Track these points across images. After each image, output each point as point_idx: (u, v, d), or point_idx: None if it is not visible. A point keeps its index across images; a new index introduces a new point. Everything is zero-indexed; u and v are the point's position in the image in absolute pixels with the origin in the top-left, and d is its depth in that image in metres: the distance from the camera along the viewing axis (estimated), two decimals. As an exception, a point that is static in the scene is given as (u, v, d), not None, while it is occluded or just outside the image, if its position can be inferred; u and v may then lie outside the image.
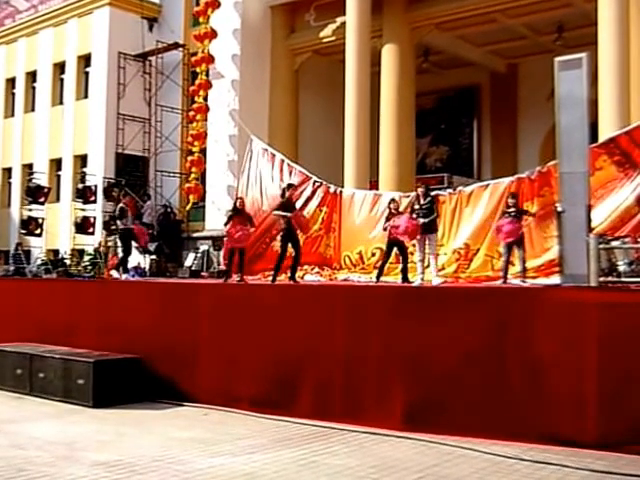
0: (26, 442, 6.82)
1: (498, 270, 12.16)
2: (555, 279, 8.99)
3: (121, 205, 12.89)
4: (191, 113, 20.18)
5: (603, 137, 12.30)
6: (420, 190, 11.04)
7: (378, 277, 11.33)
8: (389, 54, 17.92)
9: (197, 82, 19.99)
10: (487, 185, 12.98)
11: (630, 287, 7.84)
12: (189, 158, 20.14)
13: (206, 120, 20.09)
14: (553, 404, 6.59)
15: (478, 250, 12.37)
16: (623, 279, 8.39)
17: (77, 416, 8.25)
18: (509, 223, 10.34)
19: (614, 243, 9.11)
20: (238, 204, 11.65)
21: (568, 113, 7.38)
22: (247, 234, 11.50)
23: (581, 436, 6.32)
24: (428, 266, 10.94)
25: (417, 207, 10.76)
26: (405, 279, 11.12)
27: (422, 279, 10.66)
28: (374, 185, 17.29)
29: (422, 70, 19.78)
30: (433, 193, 13.35)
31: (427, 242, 10.77)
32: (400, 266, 11.55)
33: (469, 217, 12.18)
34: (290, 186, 11.93)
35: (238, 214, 11.45)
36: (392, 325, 7.61)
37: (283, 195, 11.52)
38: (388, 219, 11.24)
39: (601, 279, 7.37)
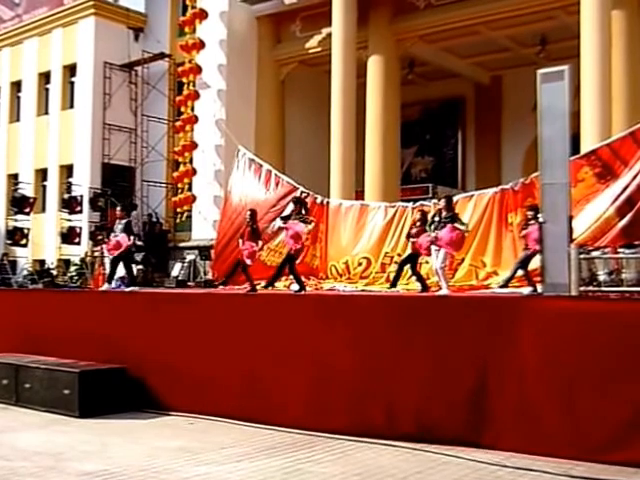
0: (11, 452, 6.82)
1: (482, 279, 12.32)
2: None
3: (129, 219, 12.48)
4: (178, 123, 20.20)
5: (585, 149, 12.49)
6: (442, 202, 10.68)
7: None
8: (374, 65, 18.06)
9: (184, 93, 20.03)
10: (471, 196, 13.17)
11: (610, 296, 7.98)
12: (180, 169, 20.10)
13: (193, 130, 20.13)
14: (536, 412, 6.67)
15: (463, 260, 12.52)
16: (603, 288, 8.51)
17: (63, 426, 8.24)
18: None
19: (594, 253, 9.22)
20: (249, 217, 11.21)
21: (550, 125, 7.49)
22: (252, 252, 11.13)
23: (561, 445, 6.41)
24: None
25: (437, 219, 10.52)
26: (424, 287, 11.12)
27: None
28: (360, 195, 17.39)
29: (407, 81, 19.94)
30: (418, 204, 13.56)
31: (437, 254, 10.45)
32: (386, 275, 11.58)
33: (454, 227, 12.30)
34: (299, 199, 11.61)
35: (249, 227, 11.13)
36: (373, 334, 7.66)
37: (305, 209, 11.00)
38: (412, 229, 11.34)
39: (582, 288, 7.50)
